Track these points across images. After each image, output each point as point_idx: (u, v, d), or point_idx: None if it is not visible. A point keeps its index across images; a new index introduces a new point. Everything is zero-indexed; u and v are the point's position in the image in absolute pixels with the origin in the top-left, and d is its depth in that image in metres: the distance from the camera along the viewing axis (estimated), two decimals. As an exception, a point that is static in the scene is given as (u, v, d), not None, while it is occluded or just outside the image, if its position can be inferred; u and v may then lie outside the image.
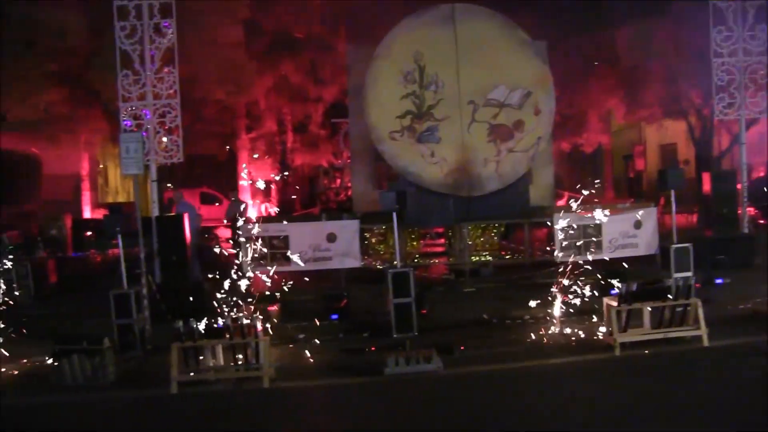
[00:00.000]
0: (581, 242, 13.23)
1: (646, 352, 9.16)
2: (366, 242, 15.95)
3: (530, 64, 15.52)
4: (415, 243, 16.86)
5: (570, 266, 11.19)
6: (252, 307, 10.23)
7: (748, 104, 15.15)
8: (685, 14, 16.77)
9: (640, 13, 18.86)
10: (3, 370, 10.03)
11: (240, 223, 12.42)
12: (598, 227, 13.56)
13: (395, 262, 11.66)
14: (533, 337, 10.21)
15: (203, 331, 8.99)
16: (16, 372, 10.02)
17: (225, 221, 18.16)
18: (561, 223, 12.04)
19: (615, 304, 9.40)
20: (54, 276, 15.58)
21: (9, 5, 16.81)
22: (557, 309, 10.82)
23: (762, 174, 22.75)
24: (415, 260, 16.03)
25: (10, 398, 9.06)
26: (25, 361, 10.34)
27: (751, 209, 15.61)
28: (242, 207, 17.65)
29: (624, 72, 19.99)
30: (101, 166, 25.96)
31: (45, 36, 16.71)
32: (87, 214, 23.38)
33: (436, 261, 16.53)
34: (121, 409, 8.46)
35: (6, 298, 10.66)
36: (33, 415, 8.54)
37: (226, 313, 9.56)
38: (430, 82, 15.29)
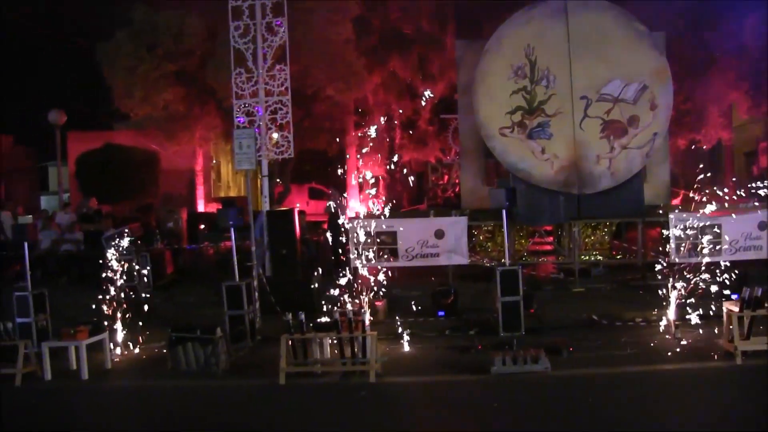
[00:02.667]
0: (698, 243, 12.66)
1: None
2: (474, 239, 15.82)
3: (647, 56, 14.93)
4: (523, 241, 16.59)
5: (686, 268, 10.72)
6: (359, 302, 10.33)
7: None
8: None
9: (768, 0, 17.84)
10: (125, 355, 10.55)
11: (341, 219, 12.57)
12: (717, 227, 12.94)
13: (503, 260, 11.50)
14: (645, 341, 9.84)
15: (312, 324, 9.15)
16: (135, 357, 10.52)
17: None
18: (677, 223, 11.54)
19: (737, 309, 8.94)
20: (170, 267, 16.21)
21: (132, 11, 17.65)
22: (672, 313, 10.38)
23: None
24: (524, 258, 15.78)
25: (130, 381, 9.53)
26: (144, 347, 10.83)
27: None
28: (340, 202, 17.90)
29: (749, 63, 18.93)
30: (214, 161, 26.84)
31: (164, 38, 17.44)
32: (200, 207, 24.25)
33: (545, 259, 16.21)
34: (232, 397, 8.72)
35: (127, 288, 11.16)
36: (149, 397, 8.93)
37: (334, 308, 9.68)
38: (541, 77, 14.96)
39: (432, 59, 20.66)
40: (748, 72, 19.14)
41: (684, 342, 9.71)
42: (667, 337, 10.00)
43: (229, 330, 10.63)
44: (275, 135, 14.01)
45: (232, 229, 11.29)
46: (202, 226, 19.76)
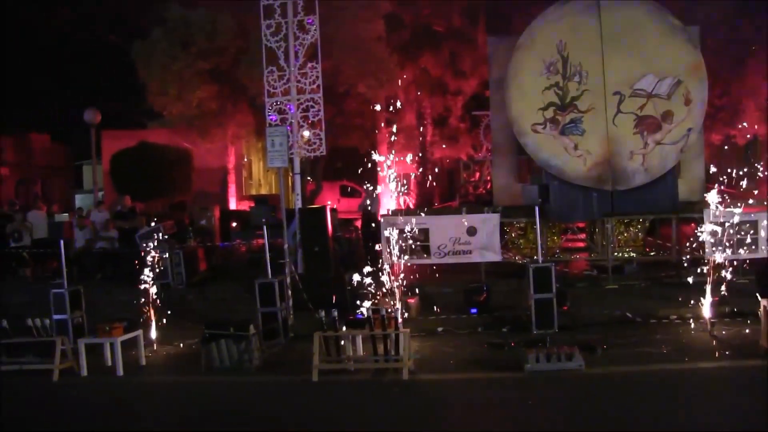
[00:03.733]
0: (735, 239, 12.48)
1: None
2: (506, 236, 15.75)
3: (681, 51, 14.72)
4: (556, 238, 16.47)
5: (722, 265, 10.58)
6: (392, 299, 10.34)
7: None
8: None
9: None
10: (159, 351, 10.69)
11: (375, 215, 12.58)
12: (753, 224, 12.75)
13: (536, 257, 11.44)
14: (680, 338, 9.73)
15: (345, 322, 9.19)
16: (169, 354, 10.65)
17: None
18: (712, 219, 11.37)
19: (774, 306, 8.80)
20: (203, 264, 16.37)
21: (166, 10, 17.85)
22: (708, 310, 10.26)
23: None
24: (556, 255, 15.67)
25: (164, 376, 9.66)
26: (177, 344, 10.96)
27: None
28: (374, 200, 17.93)
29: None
30: (246, 159, 27.03)
31: (198, 36, 17.62)
32: (232, 205, 24.45)
33: (578, 257, 16.09)
34: (265, 393, 8.80)
35: (161, 285, 11.30)
36: (183, 392, 9.04)
37: (367, 305, 9.70)
38: (573, 73, 14.82)
39: (463, 55, 20.60)
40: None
41: (720, 340, 9.59)
42: (702, 334, 9.88)
43: (262, 327, 10.74)
44: (307, 133, 14.07)
45: (265, 227, 11.36)
46: (234, 224, 19.93)
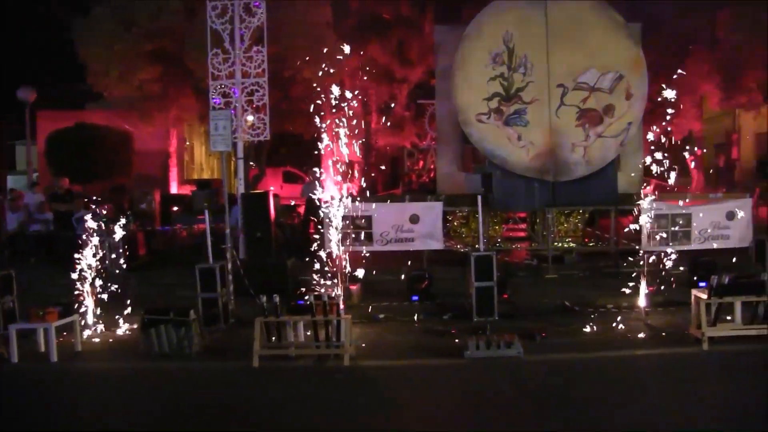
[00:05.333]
0: (669, 231, 12.83)
1: (737, 348, 8.82)
2: (448, 225, 15.88)
3: (623, 46, 15.03)
4: (497, 227, 16.69)
5: (657, 256, 10.88)
6: (335, 286, 10.34)
7: None
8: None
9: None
10: (96, 337, 10.47)
11: (317, 203, 12.53)
12: (687, 217, 13.14)
13: (478, 246, 11.56)
14: (617, 327, 9.98)
15: (286, 308, 9.14)
16: (107, 339, 10.44)
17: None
18: (649, 212, 11.68)
19: (704, 296, 9.08)
20: (143, 249, 16.08)
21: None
22: (643, 299, 10.54)
23: None
24: (498, 244, 15.87)
25: (101, 363, 9.46)
26: (115, 329, 10.74)
27: None
28: (317, 187, 17.86)
29: (722, 56, 19.15)
30: (188, 143, 26.62)
31: (143, 16, 17.20)
32: (174, 189, 24.06)
33: (519, 246, 16.33)
34: (205, 379, 8.70)
35: (99, 269, 11.04)
36: (120, 379, 8.87)
37: (308, 291, 9.68)
38: (519, 65, 15.00)
39: (410, 44, 20.62)
40: (720, 65, 19.37)
41: (654, 328, 9.87)
42: (637, 323, 10.14)
43: (203, 313, 10.61)
44: (251, 117, 13.92)
45: (206, 212, 11.22)
46: (176, 208, 19.62)
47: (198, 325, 9.71)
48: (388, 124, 22.39)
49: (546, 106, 14.99)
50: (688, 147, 19.85)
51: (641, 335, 9.63)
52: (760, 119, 24.86)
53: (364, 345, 9.47)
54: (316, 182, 17.57)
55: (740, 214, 13.23)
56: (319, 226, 12.18)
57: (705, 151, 22.98)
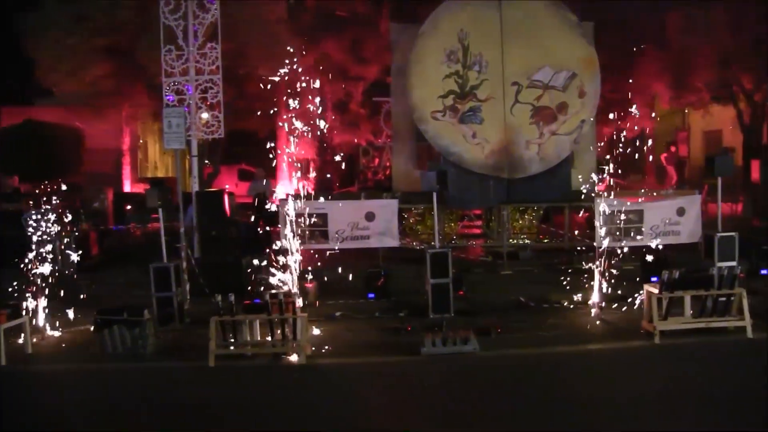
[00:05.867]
0: (622, 228, 13.05)
1: (687, 341, 9.02)
2: (404, 222, 15.92)
3: (576, 45, 15.24)
4: (453, 224, 16.79)
5: (610, 252, 11.05)
6: (290, 284, 10.28)
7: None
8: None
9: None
10: (47, 339, 10.25)
11: (267, 201, 12.48)
12: (639, 213, 13.37)
13: (433, 243, 11.60)
14: (571, 322, 10.12)
15: (242, 306, 9.07)
16: (59, 341, 10.23)
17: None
18: (602, 208, 11.86)
19: (656, 291, 9.27)
20: (96, 248, 15.80)
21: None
22: (596, 295, 10.70)
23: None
24: (453, 241, 15.96)
25: (53, 365, 9.27)
26: (68, 330, 10.54)
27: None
28: (266, 184, 17.79)
29: (672, 55, 19.54)
30: (141, 140, 26.23)
31: (94, 11, 16.87)
32: (127, 188, 23.69)
33: (474, 243, 16.44)
34: (160, 379, 8.59)
35: (50, 269, 10.81)
36: (73, 380, 8.71)
37: (264, 289, 9.62)
38: (473, 62, 15.11)
39: (366, 41, 20.57)
40: (670, 65, 19.76)
41: (607, 323, 10.02)
42: (591, 318, 10.29)
43: (158, 312, 10.47)
44: (205, 114, 13.77)
45: (160, 210, 11.07)
46: (129, 207, 19.32)
47: (152, 324, 9.59)
48: (345, 121, 22.34)
49: (501, 104, 15.12)
50: (638, 144, 20.20)
51: (595, 330, 9.78)
52: (708, 117, 25.42)
53: (320, 343, 9.44)
54: (264, 180, 17.56)
55: (690, 210, 13.50)
56: (269, 224, 12.11)
57: (675, 149, 23.34)
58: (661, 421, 6.69)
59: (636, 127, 22.82)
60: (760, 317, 9.43)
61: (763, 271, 12.72)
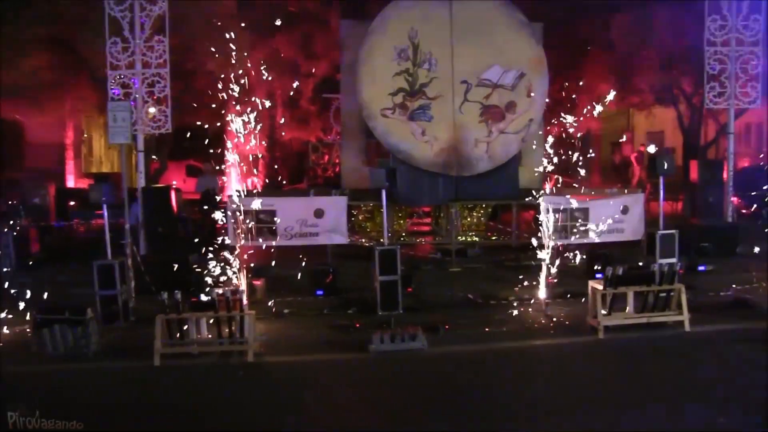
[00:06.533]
0: (568, 226, 13.25)
1: (630, 335, 9.22)
2: (353, 219, 15.91)
3: (525, 45, 15.43)
4: (402, 221, 16.84)
5: (556, 249, 11.22)
6: (238, 281, 10.19)
7: (738, 94, 15.19)
8: (682, 2, 16.73)
9: (638, -1, 18.79)
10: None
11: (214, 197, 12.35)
12: (585, 211, 13.60)
13: (382, 240, 11.62)
14: (518, 318, 10.24)
15: (188, 304, 8.95)
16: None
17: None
18: (549, 206, 12.04)
19: (600, 287, 9.43)
20: (36, 245, 15.42)
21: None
22: (543, 291, 10.86)
23: (746, 164, 22.88)
24: (402, 239, 16.01)
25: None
26: (5, 331, 10.24)
27: (735, 199, 15.71)
28: (214, 180, 17.60)
29: (618, 58, 19.92)
30: (85, 135, 25.65)
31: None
32: (71, 183, 23.14)
33: (423, 240, 16.52)
34: (104, 379, 8.41)
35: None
36: (12, 382, 8.46)
37: (211, 287, 9.50)
38: (423, 60, 15.18)
39: (316, 38, 20.50)
40: (616, 66, 20.14)
41: (554, 319, 10.17)
42: (537, 314, 10.44)
43: (101, 311, 10.27)
44: (152, 109, 13.55)
45: (105, 206, 10.85)
46: (72, 203, 18.88)
47: (96, 323, 9.39)
48: (294, 118, 22.22)
49: (450, 102, 15.23)
50: (582, 144, 20.50)
51: (541, 326, 9.92)
52: (651, 118, 26.01)
53: (268, 341, 9.37)
54: (212, 176, 17.35)
55: (634, 208, 13.79)
56: (221, 220, 11.98)
57: (645, 146, 23.71)
58: (606, 413, 6.82)
59: (583, 127, 23.25)
60: (697, 311, 9.73)
61: (701, 268, 13.10)
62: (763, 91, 15.24)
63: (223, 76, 11.35)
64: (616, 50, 19.87)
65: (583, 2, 19.15)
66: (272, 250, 12.16)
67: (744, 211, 17.86)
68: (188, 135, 15.01)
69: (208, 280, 9.98)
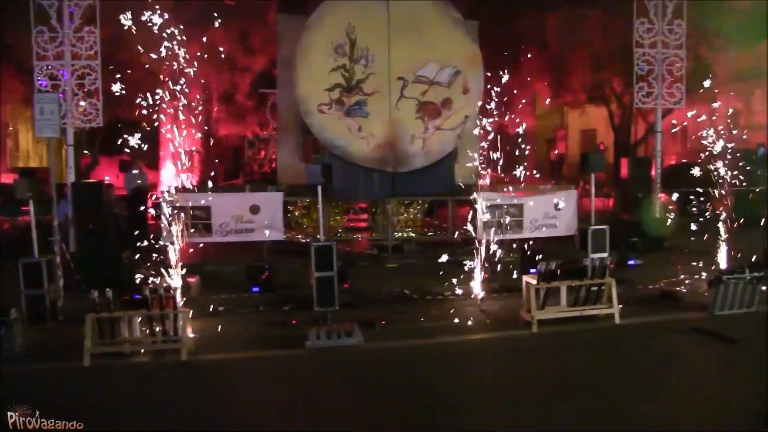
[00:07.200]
0: (503, 221, 13.44)
1: (563, 329, 9.41)
2: (290, 215, 15.82)
3: (461, 43, 15.58)
4: (338, 217, 16.82)
5: (491, 244, 11.36)
6: (171, 278, 10.02)
7: (664, 95, 15.70)
8: (612, 4, 17.18)
9: (570, 0, 19.16)
10: None
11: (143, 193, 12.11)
12: (519, 207, 13.82)
13: (318, 236, 11.59)
14: (454, 313, 10.33)
15: (120, 302, 8.75)
16: None
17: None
18: (484, 202, 12.20)
19: (534, 282, 9.59)
20: (-43, 243, 14.87)
21: None
22: (478, 286, 10.98)
23: (673, 162, 23.61)
24: (339, 235, 16.00)
25: None
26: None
27: (663, 195, 16.20)
28: (142, 176, 17.27)
29: (551, 57, 20.30)
30: (11, 128, 24.86)
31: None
32: (-5, 178, 22.41)
33: (359, 236, 16.53)
34: (32, 382, 8.15)
35: None
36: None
37: (144, 284, 9.32)
38: (360, 56, 15.18)
39: (253, 32, 20.28)
40: (550, 65, 20.53)
41: (488, 313, 10.30)
42: (473, 309, 10.55)
43: (27, 311, 9.96)
44: (83, 102, 13.20)
45: (31, 202, 10.51)
46: (-3, 199, 18.27)
47: (20, 324, 9.09)
48: (230, 113, 21.95)
49: (386, 98, 15.26)
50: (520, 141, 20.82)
51: (476, 320, 10.03)
52: (584, 117, 26.57)
53: (202, 339, 9.24)
54: (141, 172, 17.00)
55: (567, 204, 14.07)
56: (147, 218, 11.77)
57: (605, 146, 24.11)
58: (540, 405, 6.93)
59: (518, 124, 23.58)
60: (626, 304, 10.06)
61: (631, 262, 13.49)
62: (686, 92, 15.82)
63: (156, 69, 11.09)
64: (550, 50, 20.25)
65: (519, 2, 19.46)
66: (207, 246, 12.00)
67: (671, 207, 18.44)
68: (120, 128, 14.65)
69: (141, 277, 9.78)
